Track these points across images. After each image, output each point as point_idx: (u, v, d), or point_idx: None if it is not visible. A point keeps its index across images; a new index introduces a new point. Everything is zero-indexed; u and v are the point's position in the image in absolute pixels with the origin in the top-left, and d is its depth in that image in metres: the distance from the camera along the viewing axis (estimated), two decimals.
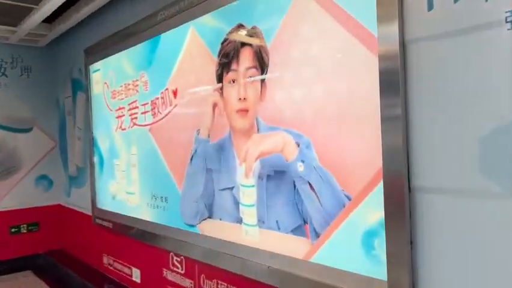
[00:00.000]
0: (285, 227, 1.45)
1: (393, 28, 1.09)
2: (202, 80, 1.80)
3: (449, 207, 1.03)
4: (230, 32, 1.63)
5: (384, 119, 1.12)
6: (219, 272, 1.76)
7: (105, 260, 2.73)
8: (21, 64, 3.31)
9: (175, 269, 2.06)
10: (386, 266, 1.14)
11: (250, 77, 1.54)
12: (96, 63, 2.67)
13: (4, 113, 3.22)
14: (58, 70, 3.35)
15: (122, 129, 2.41)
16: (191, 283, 1.95)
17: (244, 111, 1.58)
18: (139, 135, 2.26)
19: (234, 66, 1.60)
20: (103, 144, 2.64)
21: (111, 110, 2.53)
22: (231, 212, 1.67)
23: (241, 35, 1.58)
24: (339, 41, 1.25)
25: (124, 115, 2.40)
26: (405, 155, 1.09)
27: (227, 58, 1.64)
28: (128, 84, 2.33)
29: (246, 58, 1.56)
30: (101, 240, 2.75)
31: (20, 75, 3.30)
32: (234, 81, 1.61)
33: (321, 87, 1.30)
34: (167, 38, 2.01)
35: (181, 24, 1.90)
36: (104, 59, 2.57)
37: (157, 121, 2.11)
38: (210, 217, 1.79)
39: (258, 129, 1.54)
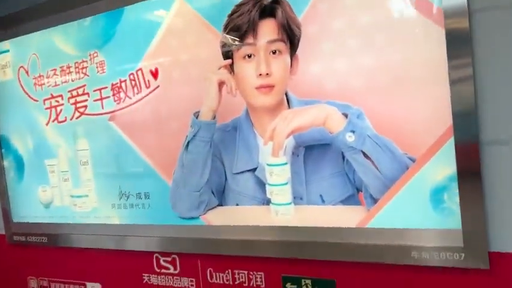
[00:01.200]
0: (332, 199, 1.46)
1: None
2: (198, 57, 1.64)
3: None
4: (242, 3, 1.52)
5: (454, 81, 1.22)
6: (235, 261, 1.66)
7: (33, 284, 2.25)
8: None
9: (163, 270, 1.84)
10: (461, 215, 1.26)
11: (275, 50, 1.47)
12: (0, 43, 2.15)
13: None
14: None
15: (60, 122, 2.01)
16: (191, 281, 1.78)
17: (268, 87, 1.50)
18: (92, 127, 1.92)
19: (249, 39, 1.50)
20: (21, 143, 2.15)
21: (35, 100, 2.08)
22: (254, 195, 1.59)
23: (261, 6, 1.48)
24: (392, 10, 1.30)
25: (61, 104, 1.99)
26: (476, 112, 1.22)
27: (238, 31, 1.52)
28: (68, 67, 1.94)
29: (268, 31, 1.48)
30: (24, 260, 2.25)
31: None
32: (250, 56, 1.51)
33: (373, 57, 1.34)
34: (135, 11, 1.75)
35: None
36: (18, 38, 2.08)
37: (123, 108, 1.82)
38: (221, 205, 1.66)
39: (289, 105, 1.49)
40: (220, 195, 1.66)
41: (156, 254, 1.85)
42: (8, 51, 2.13)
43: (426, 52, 1.27)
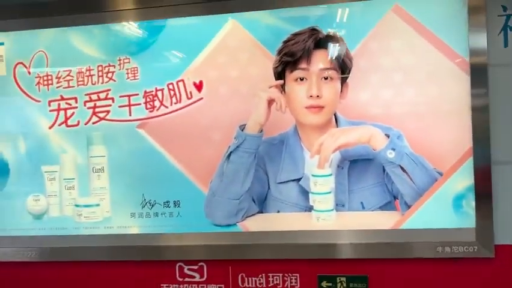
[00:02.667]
0: (372, 205, 1.73)
1: (483, 56, 1.62)
2: (248, 74, 1.77)
3: None
4: (298, 33, 1.73)
5: (474, 110, 1.63)
6: (270, 264, 1.79)
7: None
8: None
9: (187, 279, 1.85)
10: (475, 217, 1.65)
11: (327, 77, 1.71)
12: None
13: None
14: None
15: (70, 126, 1.88)
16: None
17: (317, 107, 1.72)
18: (113, 133, 1.86)
19: (302, 65, 1.71)
20: (7, 147, 1.92)
21: (37, 101, 1.90)
22: (296, 202, 1.76)
23: (316, 38, 1.71)
24: (429, 56, 1.67)
25: (74, 107, 1.88)
26: (489, 137, 1.64)
27: (292, 57, 1.72)
28: (89, 70, 1.86)
29: (321, 59, 1.71)
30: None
31: None
32: (302, 79, 1.72)
33: (412, 91, 1.68)
34: (180, 24, 1.81)
35: (210, 14, 1.78)
36: (18, 32, 1.90)
37: (157, 116, 1.83)
38: (261, 212, 1.79)
39: (337, 124, 1.73)
40: (262, 203, 1.79)
41: (180, 263, 1.85)
42: (2, 44, 1.92)
43: (453, 90, 1.66)
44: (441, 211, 1.68)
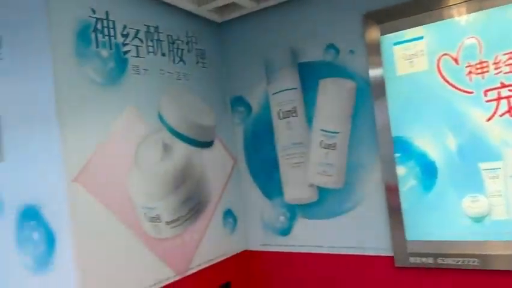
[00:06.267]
0: None
1: None
2: None
3: None
4: None
5: None
6: None
7: None
8: (195, 46, 2.21)
9: None
10: None
11: None
12: (407, 30, 1.85)
13: (188, 119, 2.06)
14: (254, 54, 2.29)
15: None
16: None
17: None
18: None
19: None
20: (434, 146, 1.81)
21: (468, 92, 1.74)
22: None
23: None
24: None
25: None
26: None
27: None
28: None
29: None
30: None
31: (195, 62, 2.19)
32: None
33: None
34: None
35: None
36: (441, 22, 1.79)
37: None
38: None
39: None
40: None
41: None
42: (421, 38, 1.83)
43: None
44: None
